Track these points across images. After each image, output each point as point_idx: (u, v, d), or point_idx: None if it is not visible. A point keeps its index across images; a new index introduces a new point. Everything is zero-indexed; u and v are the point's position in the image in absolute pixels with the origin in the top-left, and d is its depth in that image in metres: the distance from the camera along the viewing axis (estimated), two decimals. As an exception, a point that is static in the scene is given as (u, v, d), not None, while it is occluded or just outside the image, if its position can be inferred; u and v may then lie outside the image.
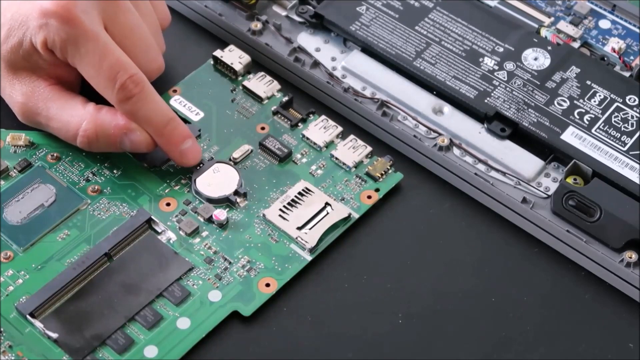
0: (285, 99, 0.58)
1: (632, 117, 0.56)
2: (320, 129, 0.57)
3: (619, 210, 0.52)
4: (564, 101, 0.56)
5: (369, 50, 0.59)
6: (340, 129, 0.57)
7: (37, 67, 0.53)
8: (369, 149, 0.56)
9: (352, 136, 0.56)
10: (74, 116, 0.53)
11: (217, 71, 0.59)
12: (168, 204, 0.54)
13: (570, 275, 0.53)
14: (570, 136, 0.55)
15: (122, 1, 0.53)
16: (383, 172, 0.55)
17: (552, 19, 0.61)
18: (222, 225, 0.53)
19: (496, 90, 0.57)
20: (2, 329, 0.49)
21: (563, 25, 0.60)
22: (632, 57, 0.59)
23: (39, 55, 0.53)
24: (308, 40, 0.60)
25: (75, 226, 0.53)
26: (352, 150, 0.56)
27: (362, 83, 0.58)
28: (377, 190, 0.55)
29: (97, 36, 0.51)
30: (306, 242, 0.52)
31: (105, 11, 0.52)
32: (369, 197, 0.55)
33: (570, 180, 0.54)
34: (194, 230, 0.53)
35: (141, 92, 0.52)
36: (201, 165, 0.55)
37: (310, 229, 0.53)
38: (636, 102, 0.56)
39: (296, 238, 0.52)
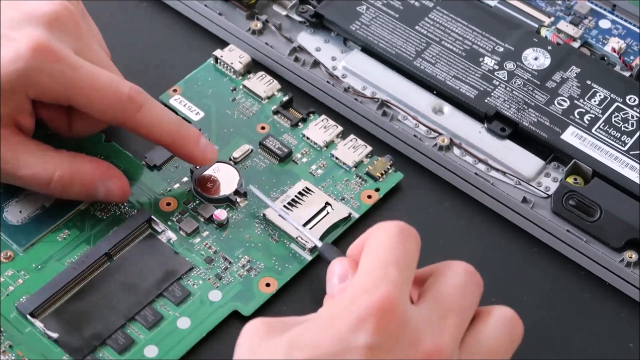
0: (285, 98, 0.58)
1: (632, 117, 0.56)
2: (321, 129, 0.56)
3: (619, 210, 0.52)
4: (564, 101, 0.56)
5: (369, 50, 0.59)
6: (340, 128, 0.57)
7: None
8: (369, 148, 0.56)
9: (352, 136, 0.56)
10: (47, 162, 0.50)
11: (217, 71, 0.59)
12: (168, 204, 0.54)
13: (570, 275, 0.53)
14: (571, 136, 0.55)
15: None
16: (383, 172, 0.55)
17: (552, 18, 0.61)
18: (222, 225, 0.53)
19: (496, 90, 0.57)
20: (2, 329, 0.49)
21: (563, 25, 0.60)
22: (632, 57, 0.59)
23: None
24: (308, 40, 0.60)
25: (75, 226, 0.53)
26: (352, 150, 0.56)
27: (362, 83, 0.58)
28: (377, 190, 0.55)
29: (82, 64, 0.49)
30: (306, 241, 0.52)
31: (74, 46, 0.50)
32: (369, 196, 0.55)
33: (570, 180, 0.54)
34: (194, 230, 0.53)
35: (147, 99, 0.51)
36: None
37: (310, 228, 0.53)
38: (636, 102, 0.56)
39: (296, 238, 0.52)
